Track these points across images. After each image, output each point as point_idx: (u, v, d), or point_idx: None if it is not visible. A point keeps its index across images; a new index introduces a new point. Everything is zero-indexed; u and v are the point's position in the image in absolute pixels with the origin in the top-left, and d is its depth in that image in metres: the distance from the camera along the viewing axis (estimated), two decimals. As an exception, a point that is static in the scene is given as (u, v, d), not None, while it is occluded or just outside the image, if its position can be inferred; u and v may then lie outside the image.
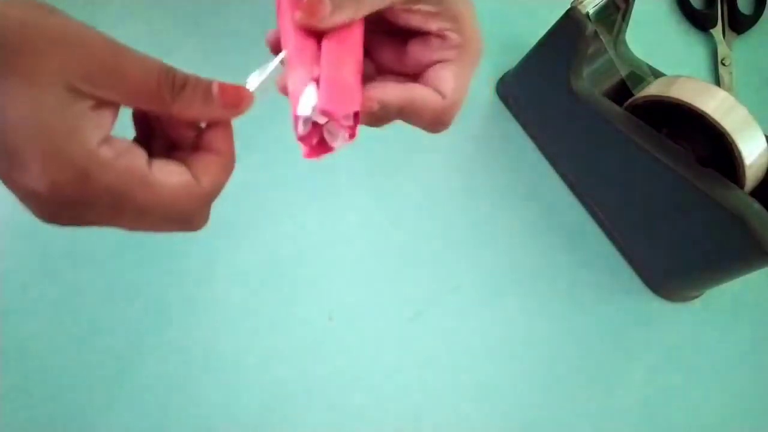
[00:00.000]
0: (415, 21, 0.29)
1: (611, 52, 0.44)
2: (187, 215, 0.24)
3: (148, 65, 0.23)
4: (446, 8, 0.29)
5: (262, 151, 0.47)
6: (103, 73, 0.22)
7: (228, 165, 0.26)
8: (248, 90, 0.25)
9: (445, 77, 0.29)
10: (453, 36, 0.29)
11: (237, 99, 0.25)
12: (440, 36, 0.29)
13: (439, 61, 0.29)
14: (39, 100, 0.21)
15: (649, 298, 0.47)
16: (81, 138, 0.21)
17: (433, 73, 0.29)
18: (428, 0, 0.28)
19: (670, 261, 0.45)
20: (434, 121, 0.30)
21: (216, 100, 0.24)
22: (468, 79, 0.30)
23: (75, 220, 0.23)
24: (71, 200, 0.22)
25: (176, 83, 0.23)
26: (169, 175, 0.23)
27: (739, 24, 0.55)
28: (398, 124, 0.51)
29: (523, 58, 0.48)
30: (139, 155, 0.23)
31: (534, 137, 0.50)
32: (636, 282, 0.47)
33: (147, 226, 0.24)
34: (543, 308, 0.46)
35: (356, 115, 0.27)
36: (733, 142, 0.37)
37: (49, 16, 0.22)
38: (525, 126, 0.50)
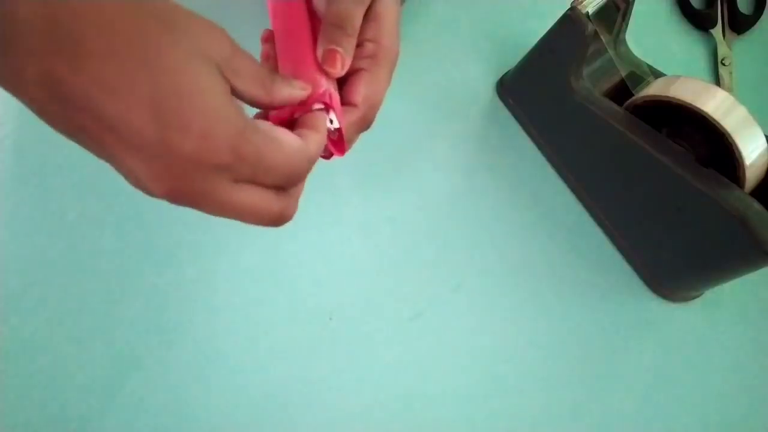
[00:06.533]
0: None
1: (611, 52, 0.44)
2: (299, 176, 0.27)
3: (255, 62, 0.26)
4: (369, 11, 0.31)
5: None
6: (232, 61, 0.24)
7: (321, 143, 0.29)
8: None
9: (356, 88, 0.31)
10: (368, 45, 0.31)
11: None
12: (358, 44, 0.31)
13: (353, 70, 0.31)
14: (199, 73, 0.22)
15: (649, 298, 0.47)
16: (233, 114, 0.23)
17: (346, 87, 0.31)
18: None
19: (670, 261, 0.45)
20: (356, 130, 0.32)
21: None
22: (383, 85, 0.32)
23: (203, 188, 0.24)
24: (223, 162, 0.23)
25: (275, 80, 0.27)
26: (285, 134, 0.26)
27: (739, 24, 0.55)
28: (399, 125, 0.51)
29: (523, 58, 0.48)
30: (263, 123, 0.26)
31: (534, 137, 0.50)
32: (636, 282, 0.47)
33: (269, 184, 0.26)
34: (543, 308, 0.46)
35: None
36: (733, 142, 0.37)
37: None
38: (525, 126, 0.50)
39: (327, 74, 0.30)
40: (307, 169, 0.27)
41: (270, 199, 0.26)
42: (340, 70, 0.30)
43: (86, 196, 0.45)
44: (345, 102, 0.31)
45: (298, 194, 0.29)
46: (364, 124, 0.32)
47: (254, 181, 0.25)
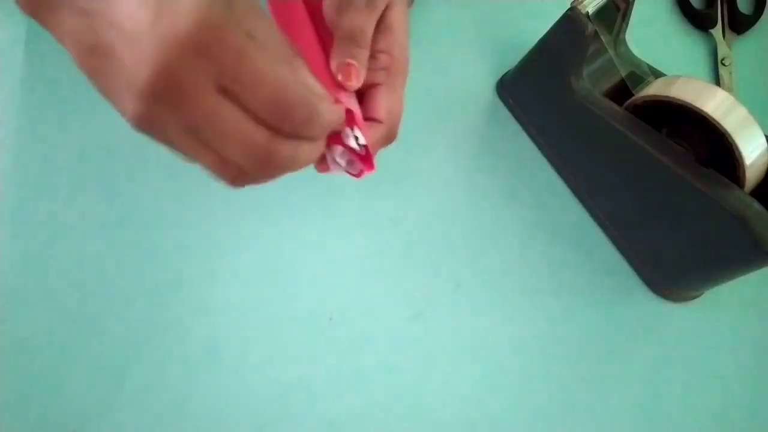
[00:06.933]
0: None
1: (611, 52, 0.44)
2: (296, 109, 0.24)
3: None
4: (381, 21, 0.31)
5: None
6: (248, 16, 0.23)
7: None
8: None
9: (377, 104, 0.31)
10: (382, 57, 0.31)
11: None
12: (371, 56, 0.31)
13: (370, 85, 0.31)
14: None
15: (649, 298, 0.47)
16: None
17: (366, 102, 0.31)
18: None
19: (670, 261, 0.45)
20: (383, 144, 0.32)
21: None
22: (400, 96, 0.32)
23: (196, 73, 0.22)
24: (208, 49, 0.22)
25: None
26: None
27: (739, 24, 0.55)
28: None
29: (523, 58, 0.48)
30: None
31: (534, 137, 0.50)
32: (636, 282, 0.47)
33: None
34: (543, 308, 0.46)
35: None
36: (733, 142, 0.37)
37: None
38: (525, 126, 0.50)
39: (343, 88, 0.30)
40: (313, 102, 0.24)
41: (254, 127, 0.23)
42: (356, 83, 0.30)
43: (86, 196, 0.45)
44: (368, 118, 0.31)
45: (313, 137, 0.25)
46: (390, 138, 0.32)
47: (238, 99, 0.23)
